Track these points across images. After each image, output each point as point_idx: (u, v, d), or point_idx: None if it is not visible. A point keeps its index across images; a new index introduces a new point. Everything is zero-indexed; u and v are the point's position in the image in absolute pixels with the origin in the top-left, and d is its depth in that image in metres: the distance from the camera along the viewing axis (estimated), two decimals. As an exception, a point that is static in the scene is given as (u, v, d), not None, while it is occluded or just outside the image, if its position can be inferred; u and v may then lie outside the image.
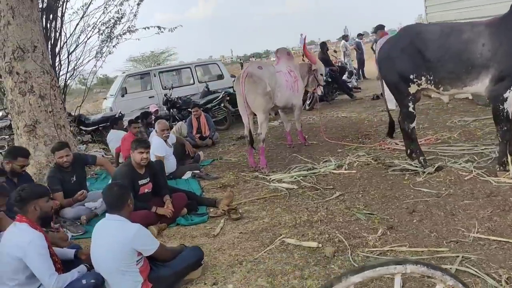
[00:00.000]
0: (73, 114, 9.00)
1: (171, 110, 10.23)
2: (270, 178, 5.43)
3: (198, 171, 6.16)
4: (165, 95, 10.30)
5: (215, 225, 4.22)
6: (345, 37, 17.21)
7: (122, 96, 10.74)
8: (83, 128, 9.07)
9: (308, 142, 7.12)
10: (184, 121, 9.57)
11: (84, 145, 9.48)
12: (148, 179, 4.45)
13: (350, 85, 12.53)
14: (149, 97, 11.06)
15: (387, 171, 5.01)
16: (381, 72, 4.86)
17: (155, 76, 11.39)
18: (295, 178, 5.29)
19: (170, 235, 4.16)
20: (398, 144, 6.04)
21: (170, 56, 37.63)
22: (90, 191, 5.17)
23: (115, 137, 7.23)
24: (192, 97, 10.61)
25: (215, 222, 4.31)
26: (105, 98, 11.90)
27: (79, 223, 4.54)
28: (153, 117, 8.76)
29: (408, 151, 5.15)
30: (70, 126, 9.02)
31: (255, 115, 5.97)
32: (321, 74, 6.86)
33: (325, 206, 4.23)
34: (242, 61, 53.94)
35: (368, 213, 3.87)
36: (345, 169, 5.36)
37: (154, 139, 5.93)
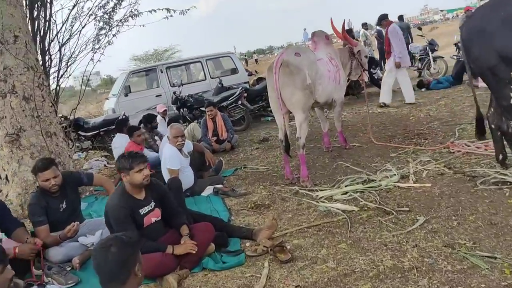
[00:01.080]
0: (70, 117, 7.83)
1: (181, 109, 9.08)
2: (317, 195, 4.22)
3: (221, 186, 4.96)
4: (174, 93, 9.13)
5: (257, 270, 3.02)
6: (364, 25, 15.87)
7: (126, 95, 9.55)
8: (82, 133, 7.90)
9: (350, 144, 5.90)
10: (196, 121, 8.44)
11: (84, 153, 8.35)
12: (153, 203, 3.27)
13: (375, 77, 11.28)
14: (156, 96, 9.87)
15: (474, 184, 3.79)
16: (470, 53, 3.61)
17: (162, 72, 10.18)
18: (350, 195, 4.09)
19: (195, 286, 2.96)
20: (470, 146, 4.81)
21: (174, 54, 36.62)
22: (86, 218, 4.00)
23: (121, 143, 6.05)
24: (204, 95, 9.44)
25: (256, 265, 3.11)
26: (107, 99, 10.73)
27: (69, 268, 3.36)
28: (158, 120, 7.58)
29: (500, 156, 3.93)
30: (66, 132, 7.88)
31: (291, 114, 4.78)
32: (366, 56, 5.64)
33: (411, 241, 3.02)
34: (246, 57, 52.83)
35: (487, 256, 2.64)
36: (414, 181, 4.14)
37: (166, 149, 4.74)
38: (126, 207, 3.04)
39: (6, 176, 5.02)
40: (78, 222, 3.41)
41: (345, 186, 4.32)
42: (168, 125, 8.31)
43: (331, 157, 5.61)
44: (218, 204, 4.52)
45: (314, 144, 6.49)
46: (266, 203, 4.35)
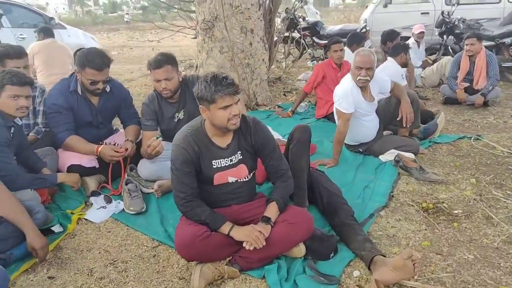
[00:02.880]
0: (308, 20, 7.06)
1: (445, 36, 6.94)
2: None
3: (411, 156, 3.33)
4: (442, 13, 6.96)
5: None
6: None
7: (385, 6, 7.92)
8: (316, 40, 7.05)
9: None
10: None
11: (314, 62, 7.59)
12: (238, 156, 2.18)
13: None
14: (422, 14, 7.84)
15: None
16: None
17: (440, -18, 7.89)
18: None
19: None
20: None
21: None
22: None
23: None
24: (486, 23, 6.87)
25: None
26: (366, 6, 9.30)
27: (150, 190, 2.80)
28: (409, 42, 5.91)
29: None
30: (303, 36, 7.19)
31: None
32: None
33: None
34: None
35: None
36: None
37: (343, 81, 3.37)
38: (191, 153, 2.08)
39: (196, 65, 4.78)
40: (161, 139, 2.71)
41: None
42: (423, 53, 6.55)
43: None
44: (385, 181, 3.03)
45: None
46: (456, 211, 2.60)
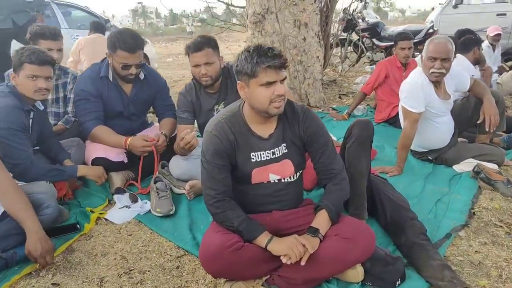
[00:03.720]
0: (368, 20, 6.54)
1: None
2: None
3: (494, 166, 2.75)
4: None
5: None
6: None
7: (455, 7, 7.22)
8: (376, 41, 6.51)
9: None
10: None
11: (373, 67, 7.02)
12: (282, 149, 1.76)
13: None
14: (497, 15, 7.05)
15: None
16: None
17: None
18: None
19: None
20: None
21: None
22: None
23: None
24: None
25: None
26: (432, 8, 8.60)
27: (177, 192, 2.46)
28: (483, 46, 5.23)
29: None
30: (362, 38, 6.68)
31: None
32: None
33: None
34: None
35: None
36: None
37: (412, 75, 2.86)
38: (225, 142, 1.69)
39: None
40: (194, 132, 2.36)
41: None
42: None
43: None
44: (462, 195, 2.49)
45: None
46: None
